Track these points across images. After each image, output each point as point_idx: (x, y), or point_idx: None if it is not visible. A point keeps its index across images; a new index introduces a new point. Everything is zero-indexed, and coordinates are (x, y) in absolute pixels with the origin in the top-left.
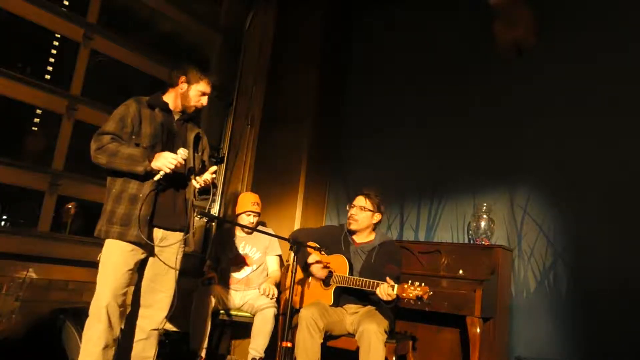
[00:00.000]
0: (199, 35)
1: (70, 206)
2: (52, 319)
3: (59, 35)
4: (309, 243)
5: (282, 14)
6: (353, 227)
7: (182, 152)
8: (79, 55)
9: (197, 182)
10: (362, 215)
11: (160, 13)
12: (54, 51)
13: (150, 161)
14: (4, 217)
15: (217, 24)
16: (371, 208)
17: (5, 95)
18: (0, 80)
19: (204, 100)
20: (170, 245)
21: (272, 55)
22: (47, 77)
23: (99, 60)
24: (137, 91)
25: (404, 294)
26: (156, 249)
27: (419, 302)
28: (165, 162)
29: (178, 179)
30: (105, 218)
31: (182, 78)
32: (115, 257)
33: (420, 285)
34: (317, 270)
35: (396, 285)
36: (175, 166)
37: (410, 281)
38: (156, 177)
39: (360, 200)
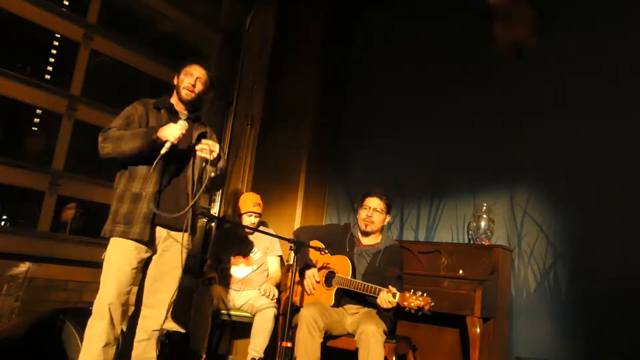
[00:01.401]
0: (199, 35)
1: (70, 207)
2: (52, 319)
3: (59, 35)
4: (313, 242)
5: (282, 13)
6: (369, 228)
7: (183, 123)
8: (79, 55)
9: (203, 152)
10: (377, 217)
11: (160, 13)
12: (54, 51)
13: (156, 132)
14: (4, 217)
15: (217, 24)
16: (385, 209)
17: (5, 95)
18: (0, 80)
19: (191, 80)
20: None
21: (272, 55)
22: (47, 77)
23: (99, 60)
24: (137, 91)
25: (405, 303)
26: (160, 249)
27: (419, 313)
28: (171, 131)
29: (180, 175)
30: (110, 217)
31: (176, 75)
32: (119, 255)
33: (422, 295)
34: (307, 280)
35: (398, 293)
36: (179, 138)
37: (412, 290)
38: (163, 150)
39: (375, 202)
